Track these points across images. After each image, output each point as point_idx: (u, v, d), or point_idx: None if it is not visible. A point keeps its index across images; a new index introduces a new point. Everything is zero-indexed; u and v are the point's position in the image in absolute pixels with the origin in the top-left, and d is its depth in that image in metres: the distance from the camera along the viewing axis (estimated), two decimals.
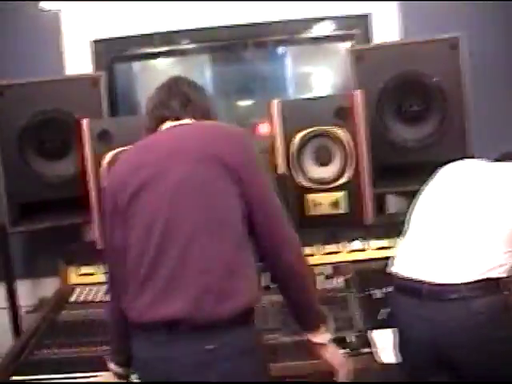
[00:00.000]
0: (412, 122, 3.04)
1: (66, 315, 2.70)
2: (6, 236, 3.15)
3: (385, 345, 2.23)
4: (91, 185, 2.89)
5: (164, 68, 3.82)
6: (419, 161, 2.98)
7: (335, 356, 2.07)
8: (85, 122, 2.87)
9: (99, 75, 3.16)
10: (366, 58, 3.02)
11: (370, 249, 2.91)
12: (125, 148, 2.78)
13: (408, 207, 2.34)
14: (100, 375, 2.16)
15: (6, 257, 3.20)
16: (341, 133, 2.79)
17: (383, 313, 2.41)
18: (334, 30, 3.60)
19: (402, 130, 3.04)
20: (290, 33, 3.62)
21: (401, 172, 3.00)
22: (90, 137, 2.86)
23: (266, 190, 1.94)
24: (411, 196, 2.97)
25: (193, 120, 2.05)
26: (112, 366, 2.10)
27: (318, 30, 3.58)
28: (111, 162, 2.74)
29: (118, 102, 3.63)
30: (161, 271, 1.83)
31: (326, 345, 2.05)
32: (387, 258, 2.82)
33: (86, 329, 2.56)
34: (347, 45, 3.41)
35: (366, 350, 2.25)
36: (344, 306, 2.54)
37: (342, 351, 2.19)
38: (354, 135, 2.81)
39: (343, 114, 2.81)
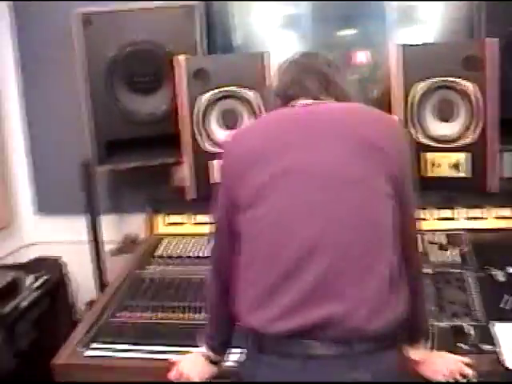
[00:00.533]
0: None
1: (151, 271, 2.50)
2: (91, 174, 2.98)
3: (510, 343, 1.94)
4: (185, 126, 2.66)
5: None
6: None
7: (438, 368, 1.82)
8: (180, 60, 2.60)
9: (195, 4, 2.85)
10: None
11: (489, 217, 2.57)
12: None
13: None
14: (188, 352, 1.95)
15: (90, 194, 3.04)
16: (469, 85, 2.42)
17: (508, 300, 2.12)
18: None
19: None
20: None
21: None
22: (186, 76, 2.60)
23: (411, 192, 1.69)
24: None
25: (332, 101, 1.78)
26: (204, 348, 1.89)
27: None
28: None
29: (213, 31, 3.31)
30: (303, 278, 1.54)
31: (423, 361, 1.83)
32: (508, 230, 2.54)
33: (174, 290, 2.35)
34: None
35: (489, 347, 1.94)
36: (460, 287, 2.23)
37: (460, 345, 1.92)
38: (482, 89, 2.43)
39: (472, 65, 2.43)
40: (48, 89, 3.24)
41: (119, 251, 3.16)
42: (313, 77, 1.77)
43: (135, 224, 3.24)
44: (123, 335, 2.14)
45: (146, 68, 2.84)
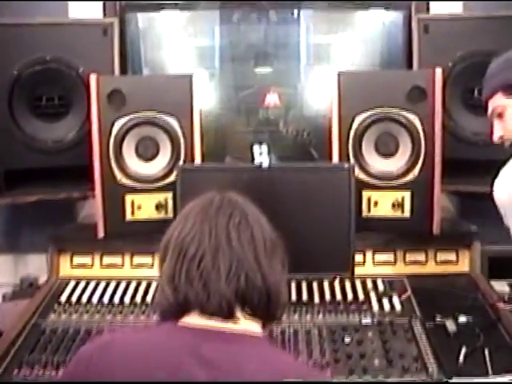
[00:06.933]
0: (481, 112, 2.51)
1: (54, 320, 2.14)
2: None
3: None
4: (96, 154, 2.36)
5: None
6: (486, 158, 2.48)
7: None
8: (93, 79, 2.31)
9: (111, 22, 2.60)
10: (431, 31, 2.49)
11: (431, 261, 2.38)
12: None
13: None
14: None
15: None
16: (414, 118, 2.26)
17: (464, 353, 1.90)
18: None
19: (468, 121, 2.52)
20: None
21: (464, 169, 2.50)
22: (99, 97, 2.31)
23: None
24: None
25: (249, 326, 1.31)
26: None
27: None
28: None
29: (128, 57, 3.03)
30: None
31: None
32: (451, 275, 2.37)
33: (79, 342, 1.99)
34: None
35: None
36: (409, 338, 2.01)
37: None
38: (426, 123, 2.27)
39: (417, 96, 2.27)
40: None
41: (14, 296, 2.78)
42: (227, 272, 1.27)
43: (34, 265, 2.93)
44: None
45: (54, 90, 2.54)
